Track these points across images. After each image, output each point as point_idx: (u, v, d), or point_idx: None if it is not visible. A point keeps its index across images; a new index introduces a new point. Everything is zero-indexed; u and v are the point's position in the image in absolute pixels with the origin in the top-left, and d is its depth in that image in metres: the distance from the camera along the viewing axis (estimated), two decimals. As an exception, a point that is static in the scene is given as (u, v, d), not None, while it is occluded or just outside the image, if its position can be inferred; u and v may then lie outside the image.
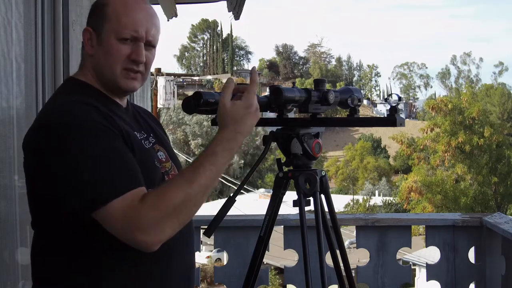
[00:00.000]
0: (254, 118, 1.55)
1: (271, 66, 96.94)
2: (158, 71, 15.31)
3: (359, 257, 7.35)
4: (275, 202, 2.03)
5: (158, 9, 4.70)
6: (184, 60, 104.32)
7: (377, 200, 36.18)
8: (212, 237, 2.26)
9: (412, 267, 8.42)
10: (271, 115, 1.97)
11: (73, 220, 1.46)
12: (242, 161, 39.20)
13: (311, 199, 1.99)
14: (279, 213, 2.05)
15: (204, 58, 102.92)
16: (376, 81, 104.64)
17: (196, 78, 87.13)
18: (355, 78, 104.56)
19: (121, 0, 1.60)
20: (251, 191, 27.03)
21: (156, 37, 1.64)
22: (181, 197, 1.39)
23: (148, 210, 1.36)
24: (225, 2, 4.86)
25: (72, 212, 1.43)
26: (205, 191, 1.44)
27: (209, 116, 2.00)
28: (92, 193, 1.38)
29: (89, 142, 1.42)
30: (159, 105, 14.97)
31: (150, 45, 1.63)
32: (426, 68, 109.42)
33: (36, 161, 1.47)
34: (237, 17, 4.88)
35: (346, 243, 4.99)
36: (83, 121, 1.44)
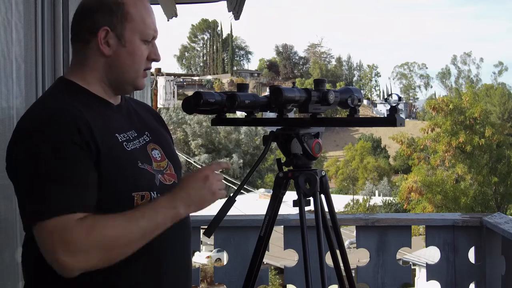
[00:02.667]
0: (209, 195, 1.54)
1: (271, 66, 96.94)
2: (158, 71, 15.31)
3: (359, 257, 7.33)
4: (275, 202, 2.03)
5: (158, 9, 4.69)
6: (184, 60, 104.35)
7: (377, 200, 36.18)
8: (212, 237, 2.26)
9: (412, 267, 8.42)
10: (271, 115, 1.97)
11: None
12: (241, 161, 39.23)
13: (311, 199, 1.99)
14: (279, 213, 2.05)
15: (204, 58, 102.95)
16: (376, 81, 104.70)
17: (196, 78, 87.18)
18: (355, 78, 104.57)
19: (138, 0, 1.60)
20: (251, 191, 27.04)
21: None
22: (117, 234, 1.41)
23: (82, 234, 1.37)
24: (225, 2, 4.85)
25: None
26: (142, 238, 1.45)
27: (209, 116, 2.00)
28: (31, 208, 1.41)
29: (43, 161, 1.42)
30: (159, 105, 14.97)
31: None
32: (426, 68, 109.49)
33: (10, 165, 1.50)
34: (237, 17, 4.87)
35: (346, 243, 4.99)
36: (46, 141, 1.43)
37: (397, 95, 1.81)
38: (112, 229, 1.40)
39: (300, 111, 1.94)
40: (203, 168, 1.56)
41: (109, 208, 1.49)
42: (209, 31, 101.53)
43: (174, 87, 15.73)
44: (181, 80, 75.76)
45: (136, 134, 1.63)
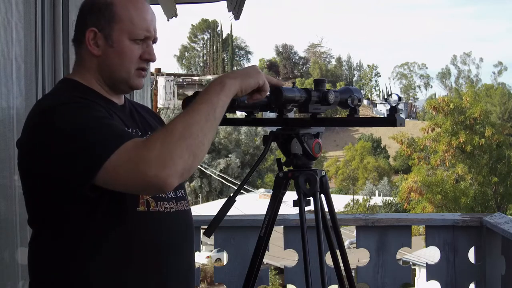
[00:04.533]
0: (254, 71, 1.58)
1: (271, 66, 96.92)
2: (158, 71, 15.32)
3: (359, 257, 7.33)
4: (275, 202, 2.03)
5: (158, 9, 4.70)
6: (184, 60, 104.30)
7: (377, 200, 36.17)
8: (212, 237, 2.26)
9: (412, 267, 8.41)
10: (271, 115, 1.97)
11: (70, 211, 1.47)
12: (238, 160, 39.19)
13: (311, 199, 1.98)
14: (279, 213, 2.05)
15: (204, 58, 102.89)
16: (376, 81, 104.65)
17: (196, 78, 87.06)
18: (355, 78, 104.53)
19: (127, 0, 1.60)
20: (251, 191, 27.04)
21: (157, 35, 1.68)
22: (181, 124, 1.37)
23: (152, 144, 1.33)
24: (225, 2, 4.86)
25: (73, 190, 1.42)
26: (207, 120, 1.40)
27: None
28: (89, 157, 1.36)
29: (77, 114, 1.43)
30: (159, 105, 14.98)
31: (154, 43, 1.67)
32: (426, 68, 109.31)
33: (32, 152, 1.47)
34: (237, 17, 4.88)
35: (346, 243, 4.99)
36: (67, 102, 1.46)
37: (397, 95, 1.81)
38: (175, 124, 1.37)
39: (300, 111, 1.94)
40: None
41: (111, 201, 1.49)
42: (209, 31, 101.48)
43: (174, 87, 15.74)
44: (181, 80, 75.72)
45: (140, 133, 1.66)
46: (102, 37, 1.58)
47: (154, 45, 1.68)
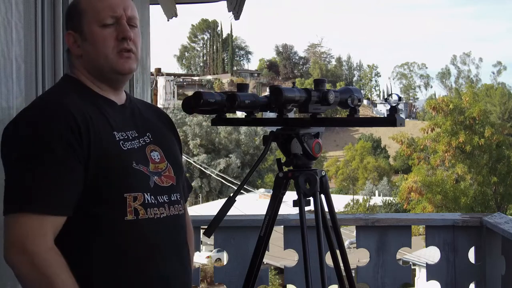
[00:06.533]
0: None
1: (271, 66, 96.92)
2: (158, 71, 15.34)
3: (359, 257, 7.33)
4: (275, 202, 2.03)
5: (158, 9, 4.70)
6: (184, 60, 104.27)
7: (377, 200, 36.16)
8: (212, 237, 2.26)
9: (412, 267, 8.41)
10: (271, 115, 1.97)
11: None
12: (238, 160, 39.19)
13: (311, 199, 1.99)
14: (279, 213, 2.05)
15: (204, 58, 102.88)
16: (376, 81, 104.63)
17: (196, 78, 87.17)
18: (355, 78, 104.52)
19: None
20: (251, 191, 27.02)
21: (135, 15, 1.66)
22: None
23: (25, 264, 1.49)
24: (225, 2, 4.86)
25: None
26: None
27: (209, 116, 2.00)
28: (5, 198, 1.47)
29: (25, 153, 1.48)
30: (159, 105, 14.99)
31: (132, 25, 1.65)
32: (426, 68, 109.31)
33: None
34: (237, 17, 4.88)
35: (346, 243, 4.99)
36: (31, 135, 1.49)
37: (397, 95, 1.81)
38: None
39: (300, 111, 1.94)
40: None
41: (101, 209, 1.51)
42: (209, 31, 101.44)
43: (174, 87, 15.77)
44: (181, 80, 75.75)
45: (136, 135, 1.64)
46: (78, 36, 1.62)
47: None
